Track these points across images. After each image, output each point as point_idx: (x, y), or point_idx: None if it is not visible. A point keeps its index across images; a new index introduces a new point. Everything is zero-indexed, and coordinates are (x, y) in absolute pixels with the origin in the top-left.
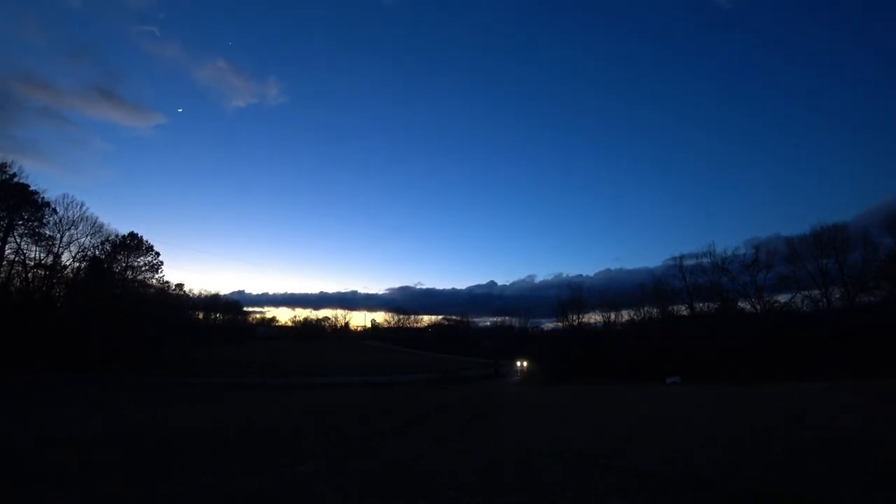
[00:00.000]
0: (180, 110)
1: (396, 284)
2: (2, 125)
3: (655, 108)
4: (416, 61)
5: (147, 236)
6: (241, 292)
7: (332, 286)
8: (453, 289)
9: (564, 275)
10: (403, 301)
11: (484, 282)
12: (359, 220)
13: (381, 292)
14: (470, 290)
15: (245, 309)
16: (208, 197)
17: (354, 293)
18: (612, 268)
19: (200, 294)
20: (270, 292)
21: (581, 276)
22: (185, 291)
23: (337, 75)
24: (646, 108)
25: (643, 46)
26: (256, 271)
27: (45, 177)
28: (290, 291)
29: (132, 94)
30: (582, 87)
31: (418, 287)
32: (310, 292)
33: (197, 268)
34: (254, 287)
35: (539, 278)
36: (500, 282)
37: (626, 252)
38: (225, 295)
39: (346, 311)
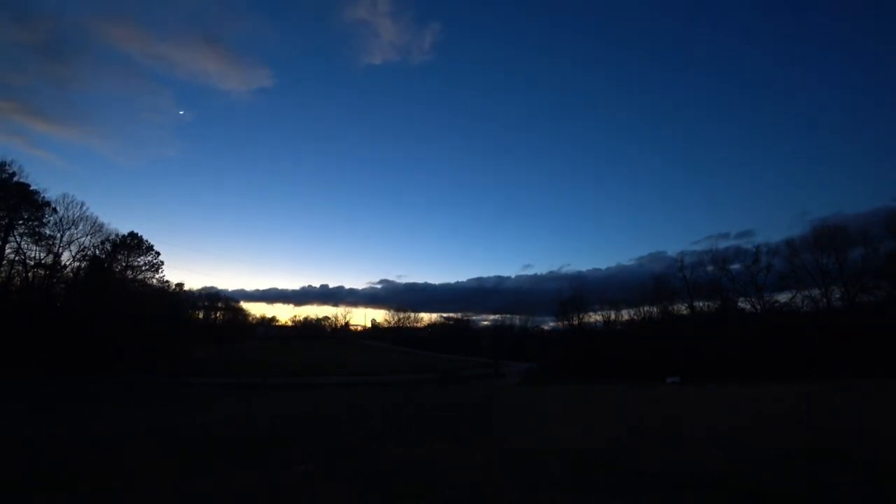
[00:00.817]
0: (181, 112)
1: (378, 278)
2: (60, 84)
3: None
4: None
5: (138, 230)
6: (212, 288)
7: (315, 281)
8: (448, 283)
9: (574, 269)
10: (387, 295)
11: (486, 275)
12: (340, 212)
13: (362, 287)
14: (470, 284)
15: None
16: (197, 186)
17: (340, 288)
18: (625, 262)
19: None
20: (246, 289)
21: (597, 269)
22: (184, 291)
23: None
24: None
25: (670, 26)
26: (228, 266)
27: (94, 156)
28: (271, 287)
29: (244, 43)
30: (605, 59)
31: (402, 281)
32: (287, 288)
33: (191, 266)
34: (225, 283)
35: (545, 272)
36: (504, 275)
37: (652, 240)
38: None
39: (340, 307)
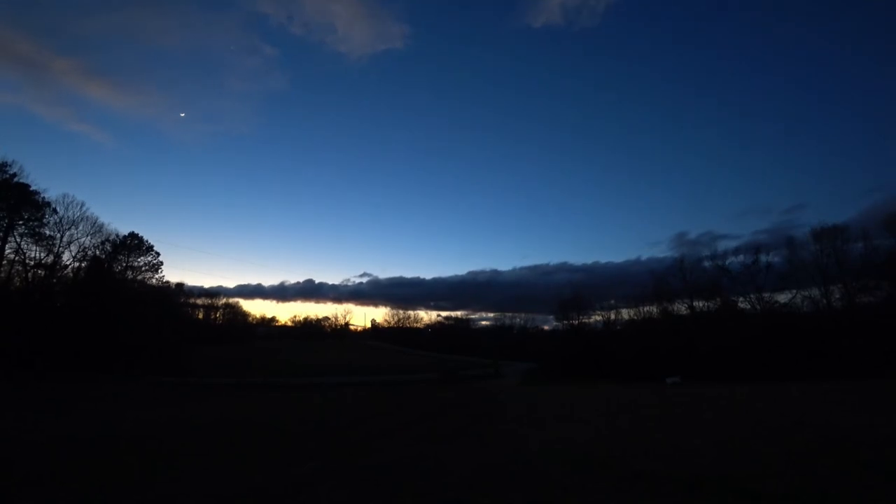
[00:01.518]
0: (182, 115)
1: (360, 271)
2: (135, 36)
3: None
4: (392, 44)
5: (136, 228)
6: (182, 284)
7: (299, 276)
8: (442, 277)
9: (590, 260)
10: (371, 290)
11: (485, 269)
12: (322, 206)
13: (343, 282)
14: (467, 277)
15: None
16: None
17: (323, 284)
18: (648, 247)
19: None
20: (225, 285)
21: (611, 263)
22: (184, 290)
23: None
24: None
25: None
26: (213, 262)
27: (148, 130)
28: (253, 283)
29: None
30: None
31: (384, 276)
32: (266, 284)
33: (176, 263)
34: (203, 280)
35: (549, 266)
36: (503, 269)
37: (686, 220)
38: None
39: (326, 303)
